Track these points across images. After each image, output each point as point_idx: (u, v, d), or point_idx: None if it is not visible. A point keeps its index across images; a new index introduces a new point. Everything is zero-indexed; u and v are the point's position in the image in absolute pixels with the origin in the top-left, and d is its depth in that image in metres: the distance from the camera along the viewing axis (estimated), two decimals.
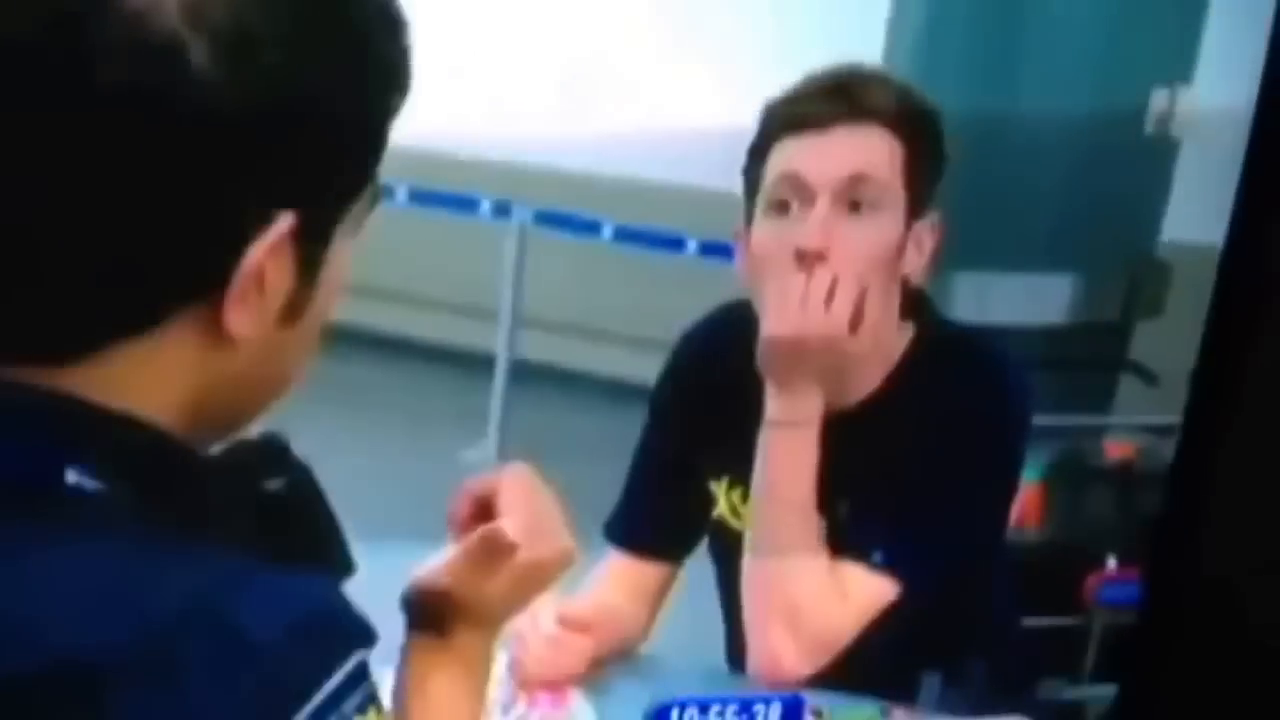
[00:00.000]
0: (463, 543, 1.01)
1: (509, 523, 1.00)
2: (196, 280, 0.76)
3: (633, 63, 5.21)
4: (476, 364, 4.91)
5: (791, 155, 1.57)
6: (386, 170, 0.83)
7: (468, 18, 5.16)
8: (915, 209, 1.59)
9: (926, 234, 1.62)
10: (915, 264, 1.62)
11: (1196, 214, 3.24)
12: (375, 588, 0.83)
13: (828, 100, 1.56)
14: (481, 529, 1.00)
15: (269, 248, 0.76)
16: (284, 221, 0.76)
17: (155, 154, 0.73)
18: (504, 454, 4.56)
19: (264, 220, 0.75)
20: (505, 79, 5.32)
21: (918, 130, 1.58)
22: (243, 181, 0.75)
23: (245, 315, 0.77)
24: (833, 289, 1.53)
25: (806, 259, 1.54)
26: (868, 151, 1.56)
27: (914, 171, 1.58)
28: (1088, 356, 3.28)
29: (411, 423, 4.87)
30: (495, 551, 1.00)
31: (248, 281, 0.76)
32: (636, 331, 4.91)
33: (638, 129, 5.23)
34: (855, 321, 1.54)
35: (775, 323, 1.55)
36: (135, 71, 0.72)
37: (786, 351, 1.55)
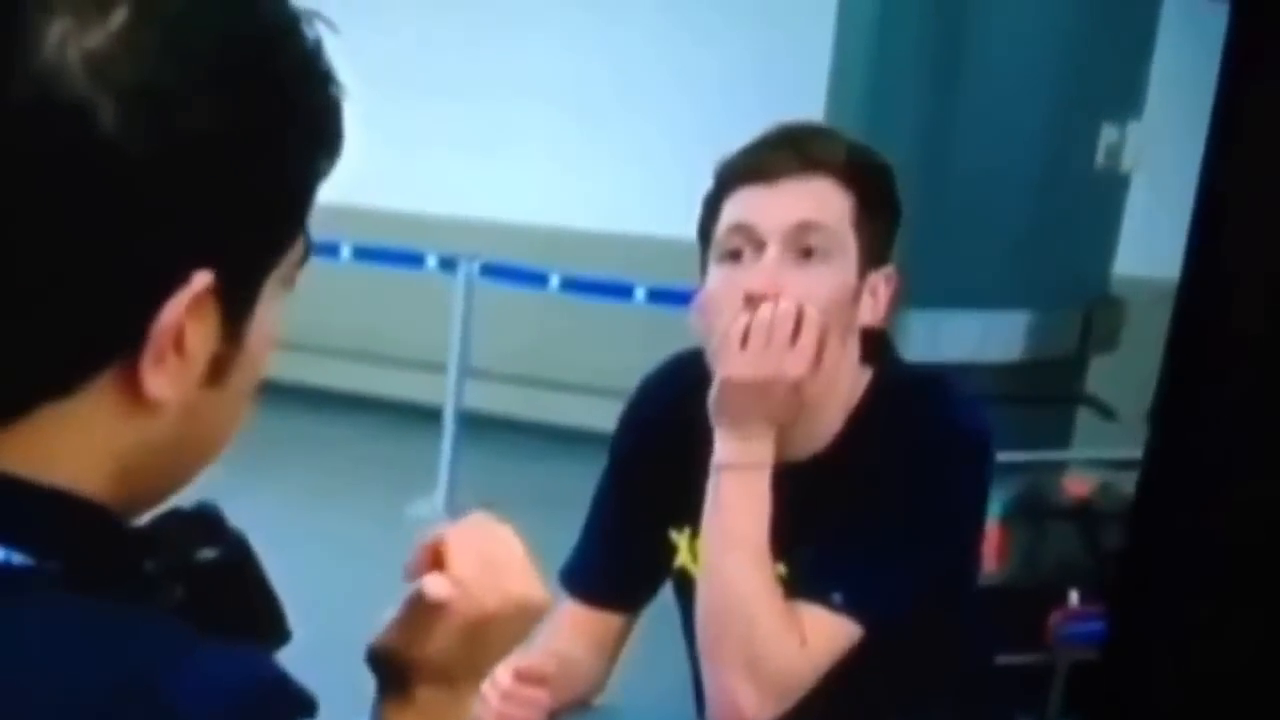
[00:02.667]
0: (402, 600, 1.00)
1: (438, 578, 0.98)
2: (111, 340, 0.75)
3: (577, 114, 5.25)
4: (424, 417, 4.90)
5: (742, 205, 1.60)
6: (329, 228, 0.82)
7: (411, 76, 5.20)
8: (869, 259, 1.62)
9: (882, 285, 1.65)
10: (871, 313, 1.64)
11: (1147, 249, 3.30)
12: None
13: (778, 152, 1.60)
14: (414, 585, 0.99)
15: (185, 307, 0.74)
16: (200, 280, 0.74)
17: (62, 213, 0.72)
18: (453, 507, 4.54)
19: (179, 279, 0.74)
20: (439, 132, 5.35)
21: (867, 182, 1.61)
22: (154, 240, 0.73)
23: (164, 377, 0.76)
24: (799, 323, 1.54)
25: (755, 304, 1.56)
26: (816, 201, 1.59)
27: (865, 222, 1.61)
28: (1044, 392, 3.31)
29: (359, 478, 4.85)
30: (425, 609, 0.98)
31: (165, 341, 0.75)
32: (586, 380, 4.93)
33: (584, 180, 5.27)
34: (817, 361, 1.56)
35: (737, 363, 1.56)
36: (41, 133, 0.71)
37: (748, 393, 1.56)
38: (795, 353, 1.54)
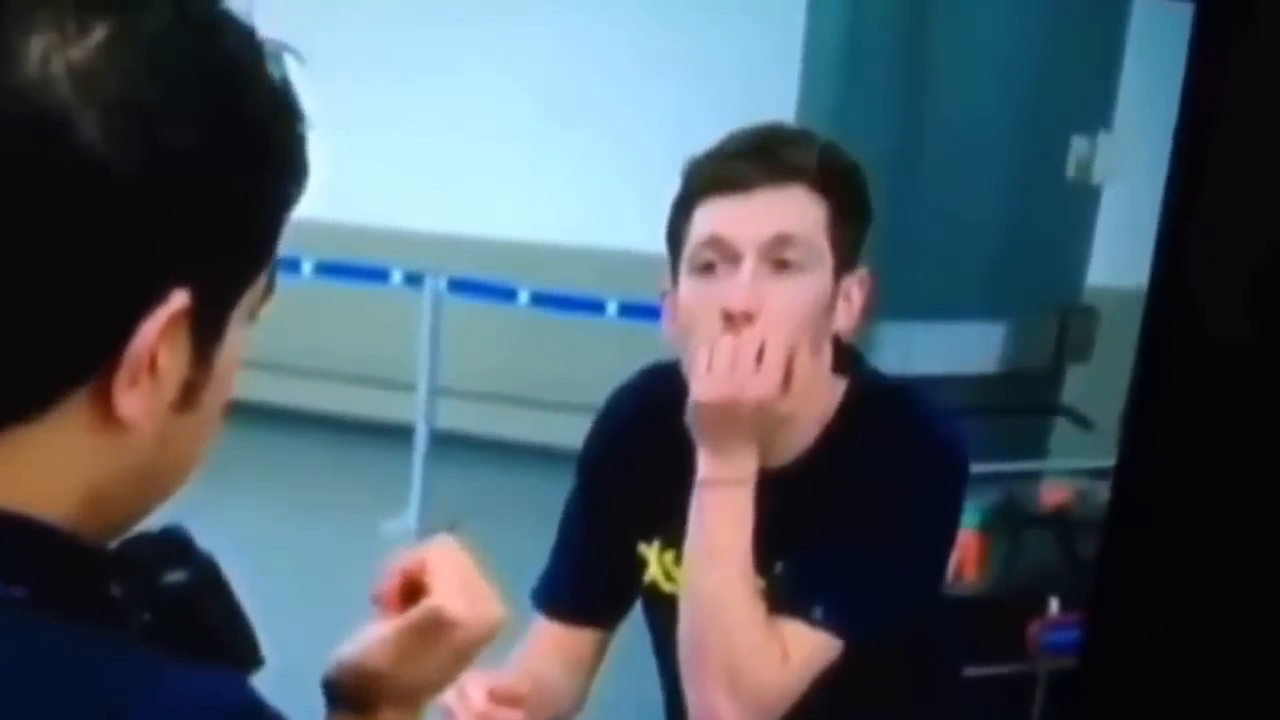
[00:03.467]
0: (402, 621, 1.00)
1: (450, 599, 0.99)
2: (87, 359, 0.75)
3: (546, 125, 5.26)
4: (394, 435, 4.89)
5: (715, 216, 1.59)
6: (290, 244, 0.83)
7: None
8: (842, 265, 1.62)
9: (855, 289, 1.65)
10: (846, 320, 1.64)
11: (1119, 258, 3.32)
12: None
13: (750, 161, 1.58)
14: (424, 606, 0.99)
15: (161, 328, 0.75)
16: (178, 300, 0.75)
17: (44, 227, 0.72)
18: (425, 525, 4.54)
19: (157, 298, 0.75)
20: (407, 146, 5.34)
21: (840, 187, 1.61)
22: (134, 256, 0.74)
23: (137, 398, 0.76)
24: (762, 350, 1.54)
25: (734, 320, 1.56)
26: (791, 212, 1.58)
27: (839, 228, 1.60)
28: (1020, 403, 3.33)
29: (330, 497, 4.84)
30: (438, 629, 0.99)
31: (139, 363, 0.75)
32: (557, 396, 4.93)
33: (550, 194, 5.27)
34: (786, 381, 1.56)
35: (705, 386, 1.56)
36: (24, 145, 0.71)
37: (717, 414, 1.56)
38: (760, 374, 1.54)
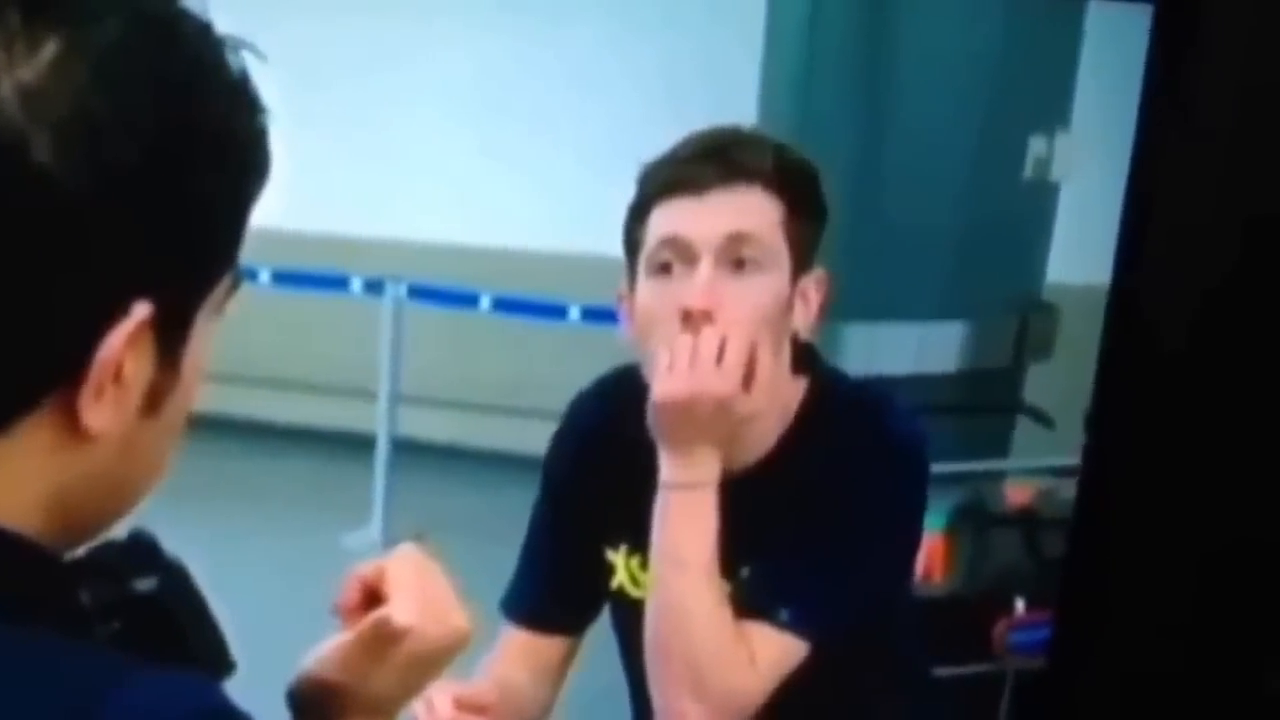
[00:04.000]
0: (352, 631, 1.00)
1: (399, 608, 0.99)
2: (51, 373, 0.75)
3: (506, 128, 5.25)
4: (357, 446, 4.87)
5: (672, 218, 1.60)
6: (247, 252, 0.83)
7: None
8: (799, 265, 1.64)
9: (813, 288, 1.66)
10: (803, 319, 1.66)
11: (1078, 256, 3.34)
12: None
13: (705, 163, 1.60)
14: (371, 616, 0.99)
15: (126, 338, 0.75)
16: (140, 311, 0.75)
17: (1, 247, 0.72)
18: (390, 536, 4.52)
19: (119, 310, 0.75)
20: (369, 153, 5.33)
21: (795, 187, 1.63)
22: (93, 271, 0.74)
23: (103, 409, 0.76)
24: (723, 347, 1.55)
25: (693, 319, 1.57)
26: (747, 211, 1.60)
27: (795, 228, 1.62)
28: (982, 402, 3.34)
29: (292, 510, 4.81)
30: (385, 638, 0.99)
31: (104, 373, 0.75)
32: (520, 402, 4.92)
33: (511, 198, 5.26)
34: (747, 379, 1.57)
35: (665, 385, 1.57)
36: None
37: (678, 413, 1.57)
38: (721, 372, 1.55)
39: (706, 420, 1.57)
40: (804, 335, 1.67)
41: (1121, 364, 1.57)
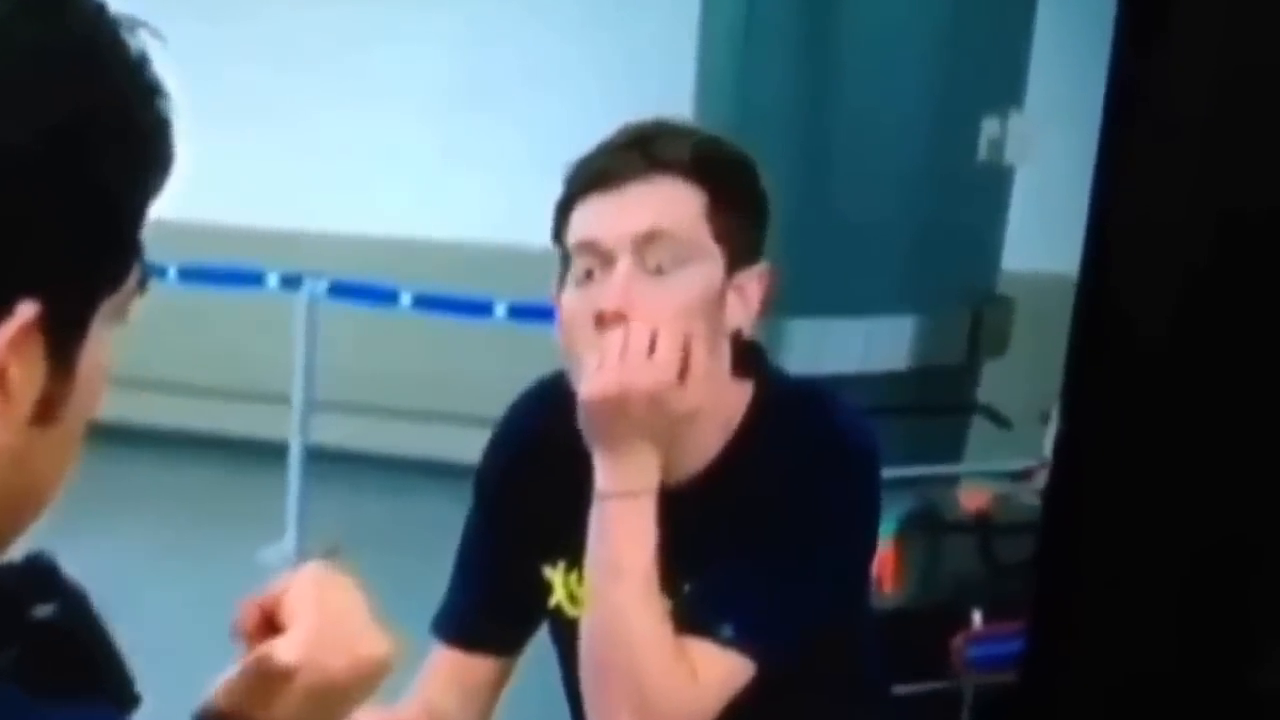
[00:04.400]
0: (240, 664, 0.99)
1: (286, 641, 0.98)
2: None
3: (428, 114, 5.23)
4: (269, 454, 4.84)
5: (588, 218, 1.61)
6: (152, 246, 0.82)
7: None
8: (735, 259, 1.63)
9: (753, 284, 1.66)
10: (741, 316, 1.66)
11: (1035, 243, 3.37)
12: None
13: (621, 156, 1.61)
14: (254, 653, 0.98)
15: (10, 341, 0.74)
16: (26, 311, 0.74)
17: None
18: (306, 550, 4.48)
19: (2, 310, 0.74)
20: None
21: (720, 176, 1.63)
22: None
23: None
24: (654, 340, 1.55)
25: (606, 322, 1.57)
26: (665, 205, 1.60)
27: (723, 220, 1.62)
28: (934, 402, 3.36)
29: (202, 525, 4.77)
30: (272, 675, 0.97)
31: None
32: (446, 407, 4.90)
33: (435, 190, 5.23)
34: (682, 371, 1.57)
35: (594, 381, 1.57)
36: None
37: (610, 411, 1.57)
38: (653, 364, 1.55)
39: (641, 417, 1.56)
40: (745, 332, 1.67)
41: (1092, 359, 1.59)
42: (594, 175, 1.61)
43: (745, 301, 1.66)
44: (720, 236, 1.62)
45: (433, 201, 5.20)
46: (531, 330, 3.69)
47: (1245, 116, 1.59)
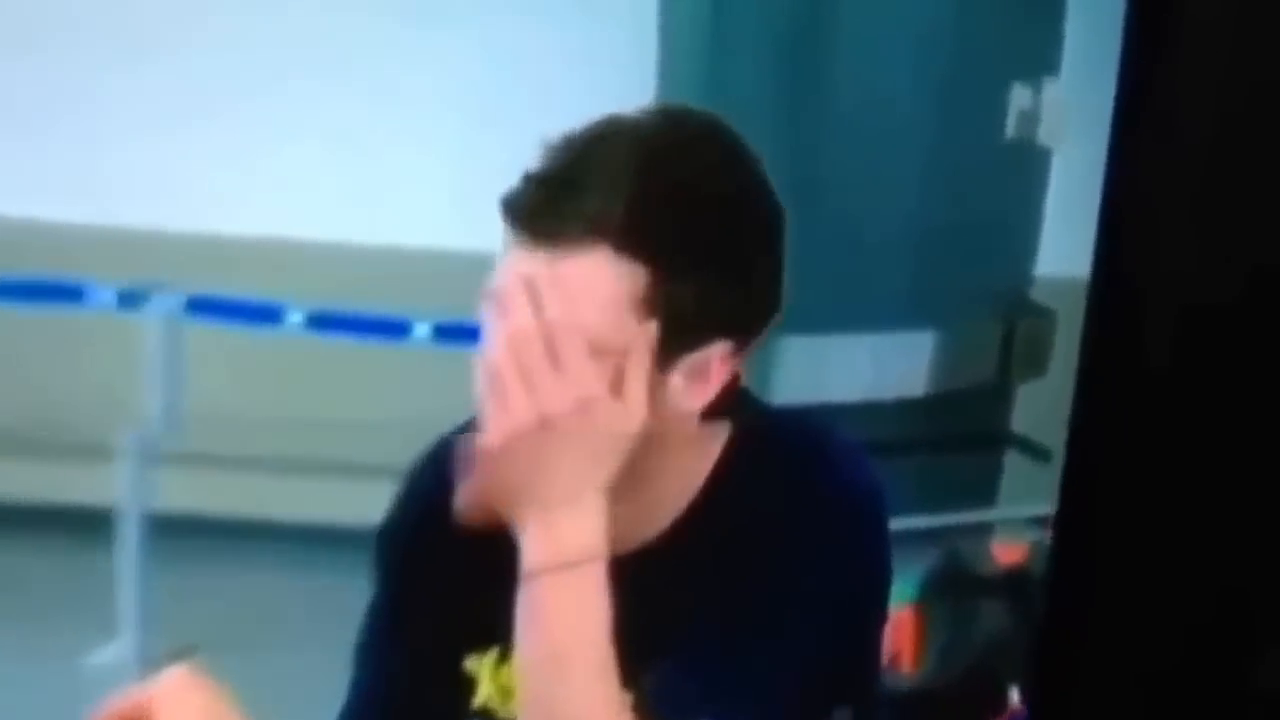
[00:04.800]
0: None
1: None
2: None
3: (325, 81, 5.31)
4: (101, 526, 4.76)
5: (505, 261, 1.63)
6: None
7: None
8: (679, 342, 1.64)
9: (714, 362, 1.66)
10: (697, 399, 1.67)
11: (1077, 242, 3.42)
12: None
13: (537, 202, 1.61)
14: None
15: None
16: None
17: None
18: (147, 651, 4.49)
19: None
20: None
21: (670, 235, 1.62)
22: None
23: None
24: (552, 344, 1.57)
25: (498, 304, 1.61)
26: (576, 295, 1.60)
27: (669, 296, 1.61)
28: (959, 434, 3.40)
29: (14, 622, 4.71)
30: None
31: None
32: (340, 458, 4.88)
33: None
34: (614, 380, 1.60)
35: (491, 428, 1.59)
36: None
37: (523, 457, 1.58)
38: (564, 376, 1.58)
39: (570, 454, 1.60)
40: (694, 415, 1.70)
41: (1105, 377, 1.71)
42: (512, 210, 1.63)
43: (703, 384, 1.66)
44: (664, 313, 1.62)
45: (328, 193, 5.13)
46: (461, 356, 3.71)
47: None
